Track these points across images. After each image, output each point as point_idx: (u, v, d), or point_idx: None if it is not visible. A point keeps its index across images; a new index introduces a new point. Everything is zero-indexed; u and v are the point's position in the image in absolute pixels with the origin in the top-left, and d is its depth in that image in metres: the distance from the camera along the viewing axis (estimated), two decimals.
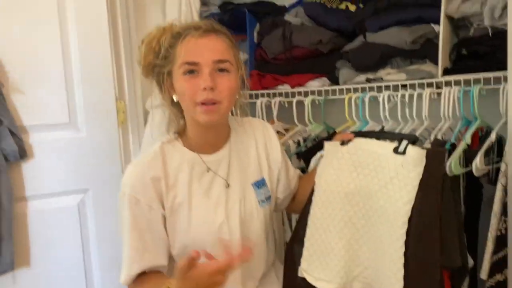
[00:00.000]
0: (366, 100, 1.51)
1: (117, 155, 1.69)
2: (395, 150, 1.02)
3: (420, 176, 0.98)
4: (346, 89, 1.63)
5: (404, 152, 1.01)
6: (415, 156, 0.99)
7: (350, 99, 1.55)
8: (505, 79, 1.20)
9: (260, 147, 1.17)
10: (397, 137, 1.05)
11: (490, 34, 1.37)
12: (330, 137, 1.57)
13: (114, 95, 1.67)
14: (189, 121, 1.07)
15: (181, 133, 1.10)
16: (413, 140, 1.03)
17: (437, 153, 1.01)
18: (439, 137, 1.34)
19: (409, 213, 0.98)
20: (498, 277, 1.07)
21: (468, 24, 1.45)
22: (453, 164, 1.20)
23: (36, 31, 1.52)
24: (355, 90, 1.60)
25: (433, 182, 1.00)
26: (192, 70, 0.98)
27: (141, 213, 1.03)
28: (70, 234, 1.62)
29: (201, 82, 0.97)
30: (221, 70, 1.00)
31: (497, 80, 1.31)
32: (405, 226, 0.97)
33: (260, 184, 1.14)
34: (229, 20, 1.90)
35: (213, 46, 0.99)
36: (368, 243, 1.05)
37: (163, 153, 1.06)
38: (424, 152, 1.00)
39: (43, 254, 1.56)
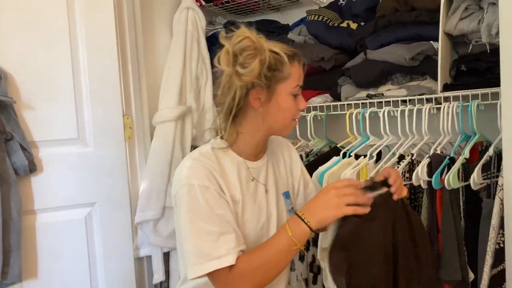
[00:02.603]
0: (367, 115, 1.54)
1: (124, 170, 1.73)
2: None
3: None
4: (348, 105, 1.66)
5: None
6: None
7: (351, 114, 1.58)
8: None
9: (286, 163, 1.25)
10: None
11: (488, 51, 1.40)
12: (333, 151, 1.60)
13: (121, 111, 1.71)
14: (251, 131, 1.10)
15: (229, 140, 1.12)
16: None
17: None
18: (438, 151, 1.36)
19: None
20: None
21: (466, 41, 1.48)
22: (451, 178, 1.22)
23: (47, 50, 1.58)
24: (356, 106, 1.63)
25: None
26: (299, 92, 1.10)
27: (214, 199, 1.03)
28: (77, 247, 1.65)
29: (301, 103, 1.11)
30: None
31: (495, 96, 1.33)
32: None
33: (287, 194, 1.22)
34: None
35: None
36: None
37: (215, 154, 1.09)
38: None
39: (50, 266, 1.59)
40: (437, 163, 1.29)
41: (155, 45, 1.91)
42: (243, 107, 1.07)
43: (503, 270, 1.07)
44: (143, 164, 1.81)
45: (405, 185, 1.35)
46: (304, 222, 0.98)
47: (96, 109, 1.65)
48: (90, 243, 1.68)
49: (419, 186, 1.31)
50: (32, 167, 1.52)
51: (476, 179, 1.21)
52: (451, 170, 1.25)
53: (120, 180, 1.71)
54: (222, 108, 1.10)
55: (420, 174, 1.28)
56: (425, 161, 1.30)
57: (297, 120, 1.13)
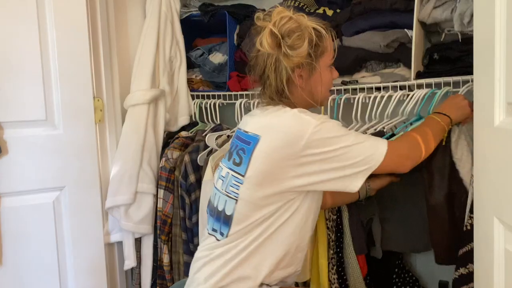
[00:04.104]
0: (341, 101, 1.55)
1: (94, 153, 1.69)
2: None
3: None
4: None
5: None
6: None
7: None
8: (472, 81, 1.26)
9: None
10: None
11: (460, 40, 1.42)
12: None
13: (92, 93, 1.67)
14: (302, 103, 1.14)
15: None
16: None
17: None
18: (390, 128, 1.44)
19: None
20: (462, 270, 1.11)
21: (439, 30, 1.50)
22: None
23: (14, 27, 1.51)
24: (331, 92, 1.63)
25: None
26: None
27: None
28: (45, 232, 1.61)
29: (334, 73, 1.19)
30: None
31: (466, 84, 1.36)
32: None
33: None
34: (209, 21, 1.92)
35: None
36: None
37: None
38: None
39: (16, 252, 1.54)
40: None
41: (128, 26, 1.86)
42: (287, 85, 1.10)
43: (465, 253, 1.10)
44: (114, 148, 1.77)
45: None
46: (446, 114, 1.18)
47: (65, 90, 1.60)
48: (59, 229, 1.64)
49: None
50: None
51: None
52: None
53: (90, 164, 1.67)
54: (265, 88, 1.14)
55: None
56: None
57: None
